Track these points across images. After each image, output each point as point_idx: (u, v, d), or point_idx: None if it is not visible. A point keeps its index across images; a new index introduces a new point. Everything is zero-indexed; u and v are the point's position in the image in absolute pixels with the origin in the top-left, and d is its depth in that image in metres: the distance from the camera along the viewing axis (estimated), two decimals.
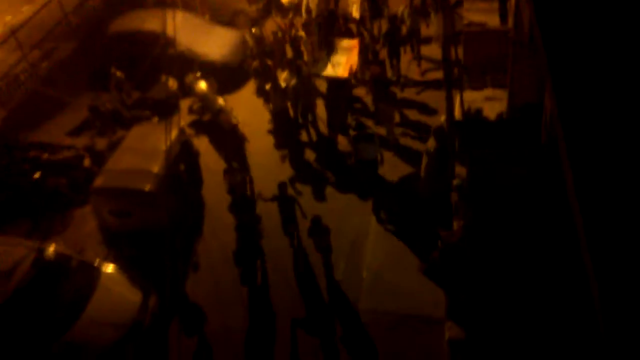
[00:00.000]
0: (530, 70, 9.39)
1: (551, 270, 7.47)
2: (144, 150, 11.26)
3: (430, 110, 12.85)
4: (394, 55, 13.85)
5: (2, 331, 8.34)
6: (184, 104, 14.36)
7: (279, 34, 14.95)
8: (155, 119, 13.65)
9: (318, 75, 13.33)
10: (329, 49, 13.59)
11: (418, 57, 14.30)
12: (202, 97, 13.87)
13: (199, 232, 11.22)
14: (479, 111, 10.59)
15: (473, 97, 11.14)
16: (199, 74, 14.10)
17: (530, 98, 9.63)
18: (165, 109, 13.94)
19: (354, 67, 13.08)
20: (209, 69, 14.41)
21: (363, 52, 13.50)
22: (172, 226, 10.69)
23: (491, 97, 11.48)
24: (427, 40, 14.65)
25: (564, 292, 7.21)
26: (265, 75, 13.77)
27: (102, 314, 8.85)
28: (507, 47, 9.93)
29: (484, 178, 9.03)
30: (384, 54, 13.91)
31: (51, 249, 9.36)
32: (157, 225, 10.57)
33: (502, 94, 11.24)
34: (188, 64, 14.49)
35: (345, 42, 13.53)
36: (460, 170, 10.15)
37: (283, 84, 13.02)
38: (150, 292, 9.41)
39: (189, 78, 14.15)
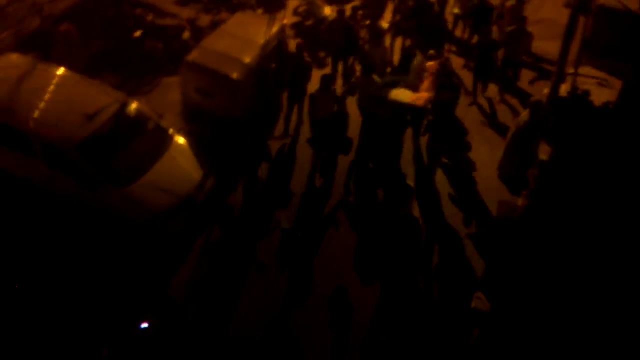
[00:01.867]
0: None
1: (607, 275, 7.20)
2: (242, 38, 11.34)
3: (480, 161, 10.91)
4: (483, 75, 11.89)
5: (73, 167, 8.98)
6: (291, 3, 14.25)
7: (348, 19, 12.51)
8: (260, 11, 13.64)
9: (379, 96, 10.37)
10: (406, 60, 11.14)
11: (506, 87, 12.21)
12: (310, 2, 13.69)
13: (270, 133, 11.36)
14: (585, 93, 9.95)
15: (584, 78, 10.43)
16: None
17: None
18: (271, 4, 13.91)
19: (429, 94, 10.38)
20: None
21: (442, 69, 10.67)
22: (248, 119, 10.94)
23: (604, 83, 10.72)
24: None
25: (613, 300, 6.98)
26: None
27: (162, 180, 9.24)
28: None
29: (569, 163, 8.61)
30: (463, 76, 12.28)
31: (134, 105, 9.77)
32: (235, 113, 10.85)
33: (615, 83, 10.48)
34: None
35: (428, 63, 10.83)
36: (545, 149, 9.72)
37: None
38: (210, 174, 9.77)
39: None
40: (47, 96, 9.52)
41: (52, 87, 9.68)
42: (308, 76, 11.01)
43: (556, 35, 10.42)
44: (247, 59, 10.90)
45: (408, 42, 12.58)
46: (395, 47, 12.96)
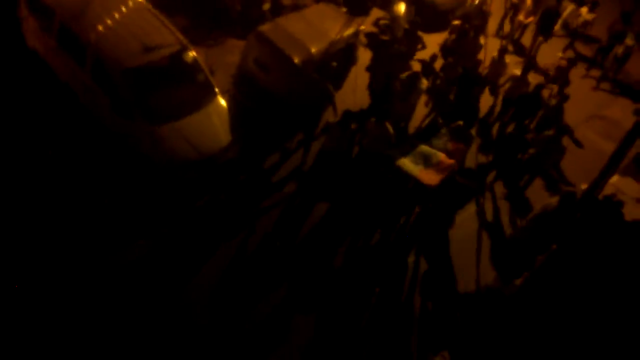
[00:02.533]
0: None
1: None
2: (316, 28, 11.44)
3: None
4: (500, 173, 11.14)
5: (114, 90, 9.14)
6: (375, 13, 14.28)
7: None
8: (343, 9, 13.70)
9: (387, 155, 9.91)
10: (430, 131, 10.44)
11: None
12: (393, 18, 13.68)
13: (312, 135, 11.23)
14: (619, 204, 9.78)
15: (624, 187, 10.25)
16: None
17: None
18: (356, 6, 13.95)
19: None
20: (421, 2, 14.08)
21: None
22: (293, 104, 11.00)
23: None
24: None
25: None
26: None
27: (192, 132, 9.38)
28: None
29: (576, 263, 8.52)
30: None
31: (192, 53, 9.91)
32: (284, 95, 10.97)
33: None
34: None
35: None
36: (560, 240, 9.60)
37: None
38: (237, 143, 9.85)
39: None
40: (116, 15, 9.72)
41: (123, 9, 9.88)
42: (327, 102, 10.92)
43: (614, 137, 10.21)
44: (313, 49, 10.99)
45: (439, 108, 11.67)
46: (425, 108, 12.11)
